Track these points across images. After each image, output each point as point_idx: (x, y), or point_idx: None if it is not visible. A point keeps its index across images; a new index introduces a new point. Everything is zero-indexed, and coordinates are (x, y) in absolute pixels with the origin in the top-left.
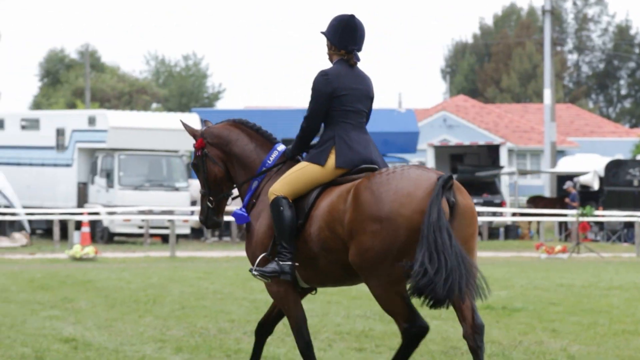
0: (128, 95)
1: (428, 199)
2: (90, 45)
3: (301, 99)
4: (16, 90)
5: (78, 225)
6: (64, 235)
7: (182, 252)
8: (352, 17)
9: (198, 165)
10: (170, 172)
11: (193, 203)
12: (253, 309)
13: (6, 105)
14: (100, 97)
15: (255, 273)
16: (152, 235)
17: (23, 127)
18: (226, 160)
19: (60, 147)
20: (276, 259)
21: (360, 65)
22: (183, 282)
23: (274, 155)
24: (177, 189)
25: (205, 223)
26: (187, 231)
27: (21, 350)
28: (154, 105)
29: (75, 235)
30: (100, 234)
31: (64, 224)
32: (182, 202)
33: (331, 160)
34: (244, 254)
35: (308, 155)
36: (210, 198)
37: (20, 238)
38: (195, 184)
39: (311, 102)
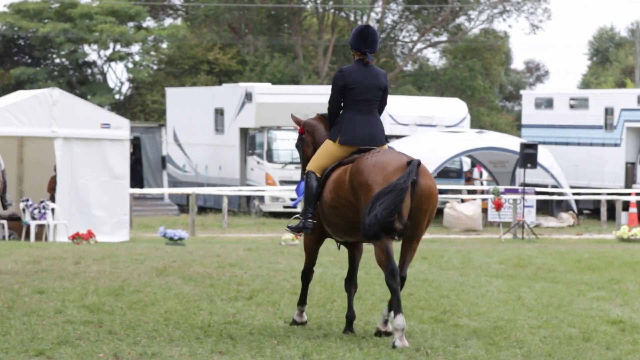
0: None
1: (395, 173)
2: None
3: None
4: (566, 69)
5: (626, 205)
6: (611, 215)
7: None
8: (367, 26)
9: (298, 147)
10: None
11: None
12: None
13: (555, 84)
14: None
15: (287, 229)
16: None
17: (572, 107)
18: (315, 144)
19: (608, 126)
20: (301, 218)
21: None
22: None
23: None
24: None
25: None
26: None
27: (568, 331)
28: None
29: (623, 216)
30: None
31: (611, 205)
32: None
33: (339, 138)
34: None
35: (329, 133)
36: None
37: (567, 218)
38: None
39: (331, 92)
